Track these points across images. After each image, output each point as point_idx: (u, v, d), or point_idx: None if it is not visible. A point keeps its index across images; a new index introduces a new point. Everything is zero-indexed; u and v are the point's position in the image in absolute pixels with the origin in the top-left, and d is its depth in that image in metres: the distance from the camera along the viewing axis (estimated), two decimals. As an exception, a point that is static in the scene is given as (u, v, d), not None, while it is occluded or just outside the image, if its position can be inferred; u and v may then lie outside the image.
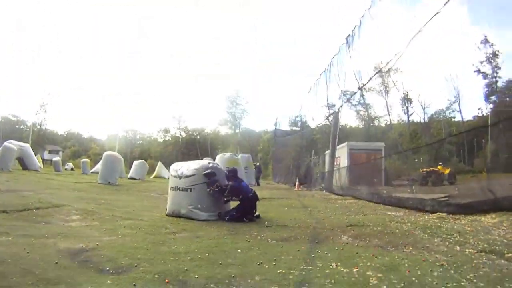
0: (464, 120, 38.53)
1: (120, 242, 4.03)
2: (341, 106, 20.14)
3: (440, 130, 38.33)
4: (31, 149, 24.26)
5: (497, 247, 3.75)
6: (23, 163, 22.09)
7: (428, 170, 17.91)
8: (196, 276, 2.88)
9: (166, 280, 2.76)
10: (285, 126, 34.82)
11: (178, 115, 61.74)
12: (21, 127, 63.39)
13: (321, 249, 3.89)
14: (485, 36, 33.72)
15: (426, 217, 6.39)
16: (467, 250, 3.72)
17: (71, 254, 3.38)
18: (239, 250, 3.83)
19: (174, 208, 6.35)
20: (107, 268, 2.98)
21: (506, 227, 4.85)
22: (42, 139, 57.53)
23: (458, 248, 3.87)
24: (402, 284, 2.69)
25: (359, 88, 16.76)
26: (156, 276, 2.85)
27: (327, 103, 20.56)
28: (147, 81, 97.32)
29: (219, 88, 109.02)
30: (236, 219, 5.98)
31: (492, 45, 34.00)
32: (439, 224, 5.48)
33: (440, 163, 18.61)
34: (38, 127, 58.13)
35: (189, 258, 3.44)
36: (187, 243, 4.09)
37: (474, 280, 2.75)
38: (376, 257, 3.52)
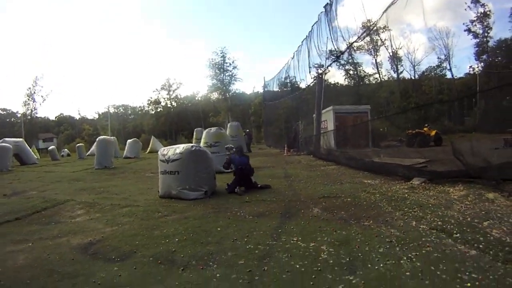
0: (455, 77, 39.01)
1: (121, 231, 4.63)
2: (324, 71, 20.13)
3: (431, 88, 38.69)
4: (26, 144, 24.66)
5: (449, 226, 4.00)
6: (21, 159, 22.45)
7: (414, 132, 18.51)
8: (182, 255, 3.54)
9: (159, 261, 3.41)
10: (274, 87, 34.01)
11: (167, 85, 61.10)
12: (12, 119, 63.45)
13: (289, 224, 4.50)
14: (476, -4, 33.74)
15: (398, 186, 6.75)
16: (421, 226, 4.05)
17: (83, 248, 3.98)
18: (218, 228, 4.46)
19: (165, 190, 6.97)
20: (113, 257, 3.62)
21: (470, 202, 5.07)
22: (34, 129, 57.43)
23: (414, 223, 4.21)
24: (347, 259, 3.18)
25: (342, 52, 16.67)
26: (151, 259, 3.50)
27: (316, 64, 20.28)
28: (132, 51, 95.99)
29: (205, 51, 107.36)
30: (230, 189, 7.04)
31: (483, 5, 34.08)
32: (406, 195, 5.82)
33: (426, 125, 19.10)
34: (29, 117, 57.26)
35: (176, 239, 4.08)
36: (175, 225, 4.73)
37: (414, 259, 3.08)
38: (335, 231, 4.05)
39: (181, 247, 3.80)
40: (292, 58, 21.61)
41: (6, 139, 22.53)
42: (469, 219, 4.25)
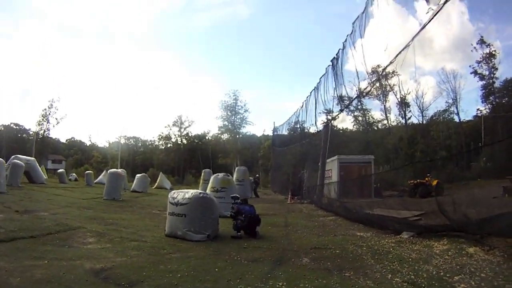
0: (462, 121, 38.99)
1: (130, 262, 5.28)
2: (332, 119, 20.62)
3: (439, 133, 38.88)
4: (37, 163, 26.11)
5: (420, 280, 4.32)
6: (30, 177, 23.65)
7: (415, 182, 18.75)
8: (181, 289, 4.17)
9: (162, 292, 4.05)
10: (284, 131, 34.47)
11: (179, 122, 62.45)
12: (23, 135, 64.79)
13: (278, 270, 5.07)
14: (481, 37, 34.89)
15: (387, 240, 7.13)
16: (395, 279, 4.39)
17: (95, 272, 4.64)
18: (216, 269, 5.07)
19: (171, 230, 7.65)
20: (123, 283, 4.26)
21: (449, 256, 5.39)
22: (45, 149, 58.75)
23: (389, 276, 4.57)
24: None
25: (347, 105, 17.38)
26: (155, 288, 4.14)
27: (325, 110, 20.34)
28: (148, 85, 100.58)
29: (218, 91, 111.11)
30: (237, 229, 7.73)
31: (488, 45, 34.67)
32: (391, 249, 6.20)
33: (428, 174, 19.27)
34: (41, 136, 58.87)
35: (178, 275, 4.69)
36: (179, 263, 5.35)
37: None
38: (317, 280, 4.57)
39: (182, 282, 4.41)
40: (301, 107, 22.70)
41: (19, 156, 23.77)
42: (441, 273, 4.58)
